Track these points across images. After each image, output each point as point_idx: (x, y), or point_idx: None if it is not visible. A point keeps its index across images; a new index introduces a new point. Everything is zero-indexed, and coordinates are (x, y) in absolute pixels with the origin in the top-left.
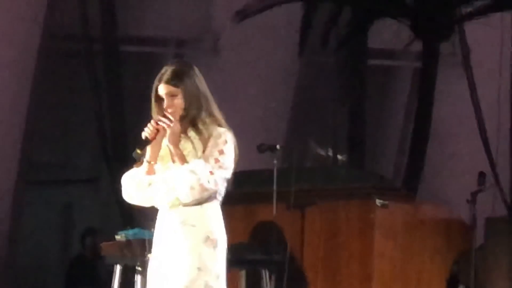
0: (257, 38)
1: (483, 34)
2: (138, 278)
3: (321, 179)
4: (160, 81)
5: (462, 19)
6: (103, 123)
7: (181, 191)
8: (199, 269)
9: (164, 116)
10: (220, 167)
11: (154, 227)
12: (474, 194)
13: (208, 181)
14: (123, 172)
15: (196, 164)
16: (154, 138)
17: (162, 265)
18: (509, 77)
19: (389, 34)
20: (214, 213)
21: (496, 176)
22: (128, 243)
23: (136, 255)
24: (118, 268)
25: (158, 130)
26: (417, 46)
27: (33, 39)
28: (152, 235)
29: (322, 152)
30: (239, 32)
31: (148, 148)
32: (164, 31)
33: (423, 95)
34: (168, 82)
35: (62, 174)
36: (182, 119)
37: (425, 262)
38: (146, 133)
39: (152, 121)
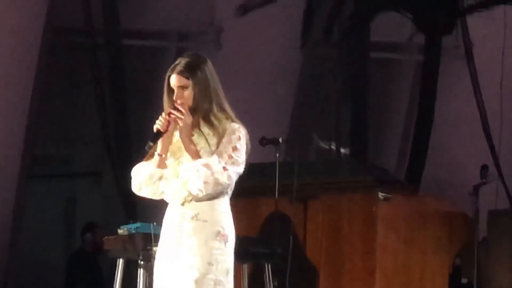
0: (260, 31)
1: (486, 27)
2: (140, 272)
3: (324, 172)
4: (172, 72)
5: (465, 12)
6: (106, 117)
7: (195, 185)
8: (209, 264)
9: (175, 108)
10: (233, 163)
11: (156, 221)
12: (476, 187)
13: (222, 176)
14: (126, 166)
15: (210, 159)
16: (166, 130)
17: (171, 259)
18: None
19: (391, 27)
20: (225, 208)
21: (498, 169)
22: (130, 237)
23: (139, 249)
24: (121, 262)
25: (169, 122)
26: (420, 39)
27: (35, 32)
28: (155, 229)
29: (325, 145)
30: (242, 25)
31: (160, 141)
32: (166, 24)
33: (425, 88)
34: (179, 73)
35: (65, 168)
36: (192, 112)
37: (427, 255)
38: (157, 125)
39: (163, 113)
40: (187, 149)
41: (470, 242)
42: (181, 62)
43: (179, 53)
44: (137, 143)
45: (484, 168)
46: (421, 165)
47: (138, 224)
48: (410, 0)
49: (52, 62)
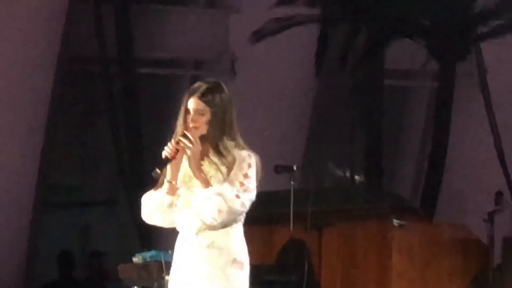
0: (274, 59)
1: (500, 54)
2: None
3: (339, 200)
4: (191, 95)
5: (479, 39)
6: (120, 145)
7: (208, 214)
8: None
9: (184, 135)
10: (245, 190)
11: (172, 249)
12: (491, 214)
13: (235, 204)
14: (141, 194)
15: (221, 187)
16: (174, 157)
17: (193, 286)
18: None
19: (405, 54)
20: (239, 235)
21: None
22: (145, 265)
23: (154, 277)
24: None
25: (177, 150)
26: (434, 66)
27: (50, 61)
28: (169, 257)
29: (340, 173)
30: (256, 53)
31: (168, 168)
32: (181, 52)
33: (440, 115)
34: (200, 97)
35: (79, 196)
36: (203, 140)
37: (442, 282)
38: (166, 152)
39: (172, 140)
40: (197, 178)
41: (485, 269)
42: (202, 86)
43: (194, 82)
44: (152, 171)
45: (499, 194)
46: (436, 192)
47: (153, 252)
48: (424, 27)
49: (67, 90)
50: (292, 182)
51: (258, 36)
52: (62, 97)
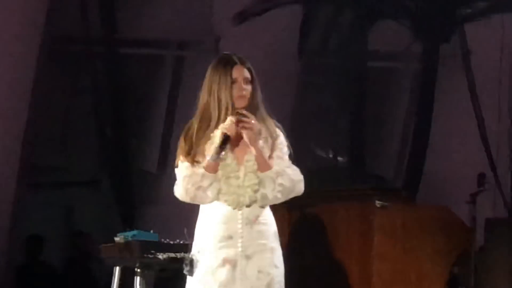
0: (257, 40)
1: (484, 36)
2: (137, 280)
3: (321, 181)
4: (234, 64)
5: (463, 21)
6: (104, 125)
7: (273, 194)
8: (276, 266)
9: (238, 113)
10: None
11: (154, 229)
12: (474, 195)
13: (301, 185)
14: (124, 174)
15: (289, 169)
16: (235, 135)
17: (234, 264)
18: (509, 78)
19: (389, 35)
20: (270, 210)
21: (496, 177)
22: (127, 244)
23: (135, 257)
24: (117, 270)
25: (237, 124)
26: (417, 47)
27: (33, 41)
28: (151, 237)
29: (322, 154)
30: (240, 34)
31: (212, 146)
32: (164, 33)
33: (423, 96)
34: (246, 66)
35: (63, 177)
36: (249, 111)
37: (425, 264)
38: (224, 129)
39: (231, 117)
40: (258, 160)
41: (467, 251)
42: (236, 55)
43: (178, 62)
44: (135, 151)
45: (482, 176)
46: (419, 174)
47: (135, 232)
48: (408, 9)
49: (50, 70)
50: None
51: (242, 17)
52: (45, 77)
